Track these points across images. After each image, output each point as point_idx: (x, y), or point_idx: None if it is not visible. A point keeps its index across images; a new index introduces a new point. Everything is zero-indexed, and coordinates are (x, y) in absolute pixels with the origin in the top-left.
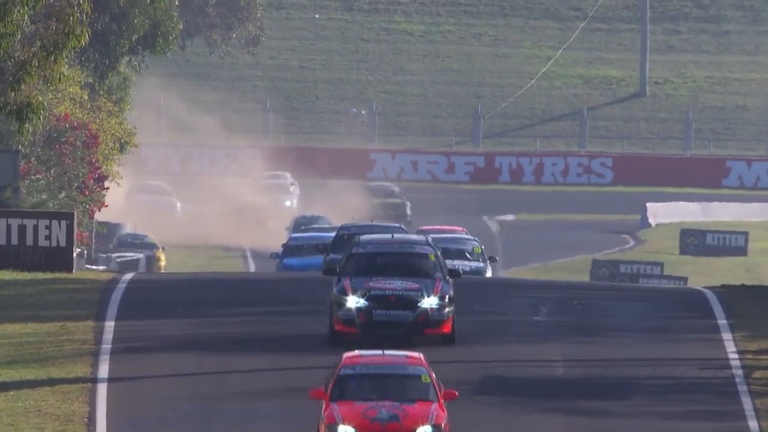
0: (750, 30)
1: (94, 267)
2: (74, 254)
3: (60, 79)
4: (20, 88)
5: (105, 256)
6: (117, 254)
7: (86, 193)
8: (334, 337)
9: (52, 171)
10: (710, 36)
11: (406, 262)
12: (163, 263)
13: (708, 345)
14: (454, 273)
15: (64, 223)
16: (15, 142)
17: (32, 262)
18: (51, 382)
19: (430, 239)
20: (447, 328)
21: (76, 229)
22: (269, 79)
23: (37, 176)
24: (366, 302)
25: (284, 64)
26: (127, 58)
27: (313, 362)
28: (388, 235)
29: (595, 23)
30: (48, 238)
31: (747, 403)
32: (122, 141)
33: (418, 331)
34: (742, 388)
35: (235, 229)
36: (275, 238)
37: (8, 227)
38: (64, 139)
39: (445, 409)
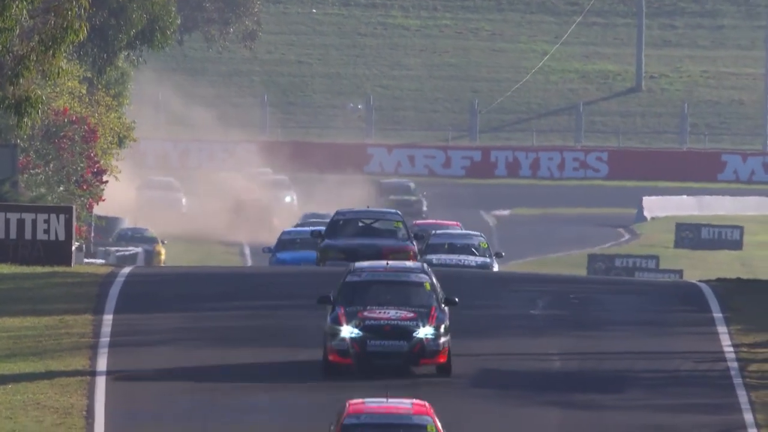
0: (745, 25)
1: (92, 261)
2: (73, 248)
3: (58, 73)
4: (19, 83)
5: (104, 249)
6: (116, 248)
7: (85, 187)
8: (328, 367)
9: (51, 165)
10: (706, 31)
11: (401, 291)
12: (163, 257)
13: (703, 338)
14: (449, 301)
15: (62, 217)
16: (14, 136)
17: (31, 255)
18: (49, 375)
19: (425, 266)
20: (443, 358)
21: (74, 223)
22: (266, 73)
23: (36, 170)
24: (360, 332)
25: (281, 58)
26: (126, 53)
27: (310, 355)
28: (383, 262)
29: (592, 18)
30: (47, 232)
31: (742, 396)
32: (121, 135)
33: (414, 361)
34: (738, 380)
35: (239, 225)
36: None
37: (7, 221)
38: (62, 134)
39: None
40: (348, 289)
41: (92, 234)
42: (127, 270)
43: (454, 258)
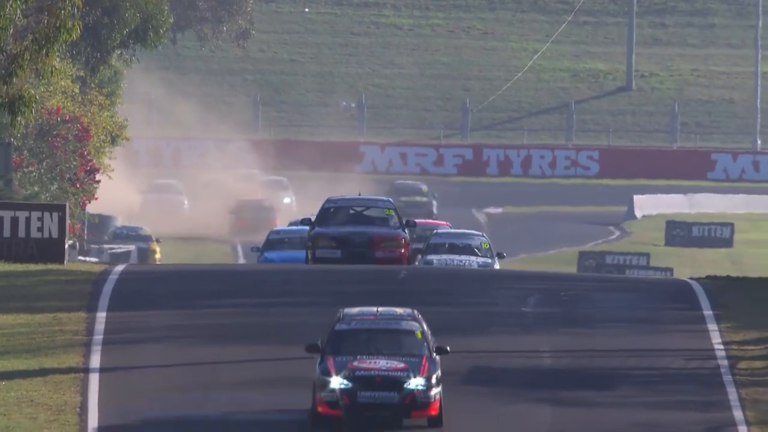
0: (735, 24)
1: (86, 258)
2: (66, 246)
3: (52, 72)
4: (12, 82)
5: (97, 247)
6: (109, 246)
7: (78, 185)
8: (316, 419)
9: (44, 163)
10: (696, 29)
11: (391, 340)
12: (158, 255)
13: (694, 336)
14: (441, 350)
15: (56, 215)
16: (7, 134)
17: (24, 253)
18: (43, 372)
19: (416, 313)
20: (434, 410)
21: (68, 221)
22: (259, 72)
23: (30, 169)
24: (350, 383)
25: (274, 57)
26: (119, 52)
27: (303, 353)
28: (373, 309)
29: (582, 17)
30: (40, 229)
31: (732, 393)
32: (113, 134)
33: (405, 413)
34: (728, 378)
35: (242, 227)
36: None
37: (0, 219)
38: (55, 132)
39: None
40: (337, 338)
41: (85, 232)
42: (120, 267)
43: (455, 258)
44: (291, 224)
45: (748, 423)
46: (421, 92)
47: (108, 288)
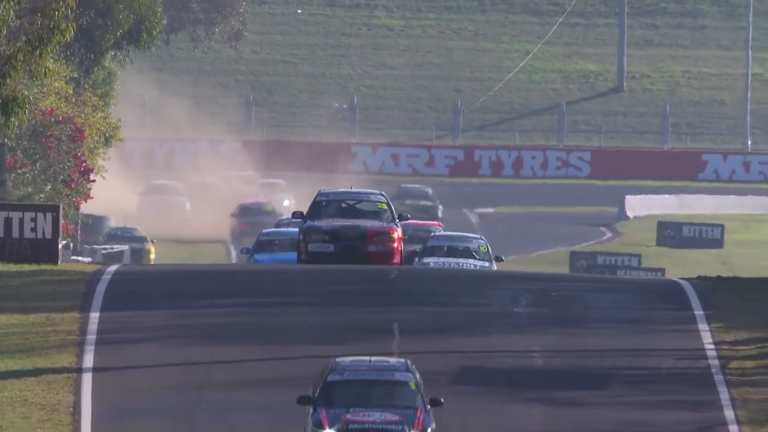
0: (726, 25)
1: (79, 259)
2: (60, 246)
3: (45, 73)
4: (6, 83)
5: (90, 247)
6: (102, 246)
7: (72, 186)
8: None
9: (38, 164)
10: (687, 31)
11: (385, 391)
12: (152, 255)
13: (684, 336)
14: (435, 402)
15: (49, 215)
16: (1, 135)
17: (18, 254)
18: (36, 372)
19: (410, 363)
20: None
21: (61, 222)
22: (251, 73)
23: (23, 169)
24: None
25: (266, 58)
26: (112, 53)
27: (297, 352)
28: (366, 359)
29: (573, 18)
30: (34, 230)
31: (723, 393)
32: (107, 135)
33: None
34: (719, 378)
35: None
36: None
37: None
38: (49, 133)
39: None
40: (329, 389)
41: (79, 232)
42: (113, 268)
43: (452, 261)
44: (278, 224)
45: (739, 422)
46: (413, 93)
47: (101, 288)
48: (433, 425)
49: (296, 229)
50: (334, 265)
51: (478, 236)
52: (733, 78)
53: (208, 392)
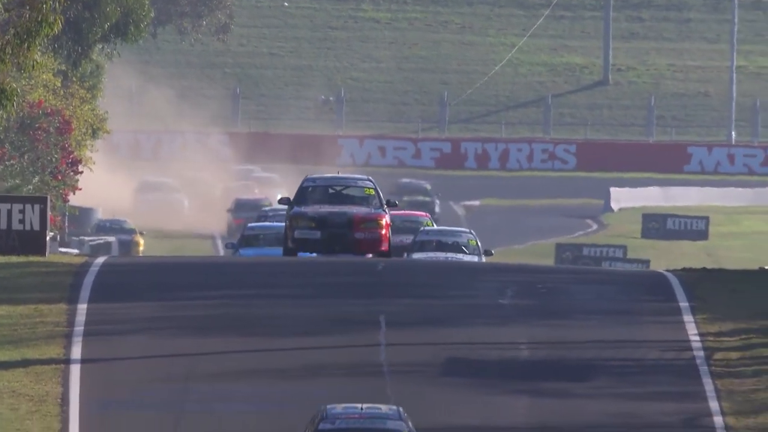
0: (711, 18)
1: (67, 250)
2: (47, 238)
3: (33, 66)
4: None
5: (78, 239)
6: (89, 237)
7: (59, 177)
8: None
9: (26, 156)
10: (672, 24)
11: None
12: (141, 248)
13: (670, 327)
14: None
15: (37, 207)
16: None
17: (6, 245)
18: (25, 363)
19: (401, 411)
20: None
21: (49, 213)
22: (238, 65)
23: (11, 161)
24: None
25: (253, 51)
26: (100, 46)
27: (286, 344)
28: (358, 406)
29: (559, 11)
30: (21, 222)
31: (708, 384)
32: (94, 127)
33: None
34: (704, 369)
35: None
36: None
37: None
38: (37, 126)
39: None
40: None
41: (66, 224)
42: (101, 260)
43: (442, 256)
44: (260, 217)
45: (723, 413)
46: (399, 86)
47: (89, 280)
48: None
49: (282, 224)
50: (321, 258)
51: (468, 230)
52: (718, 71)
53: (195, 383)
